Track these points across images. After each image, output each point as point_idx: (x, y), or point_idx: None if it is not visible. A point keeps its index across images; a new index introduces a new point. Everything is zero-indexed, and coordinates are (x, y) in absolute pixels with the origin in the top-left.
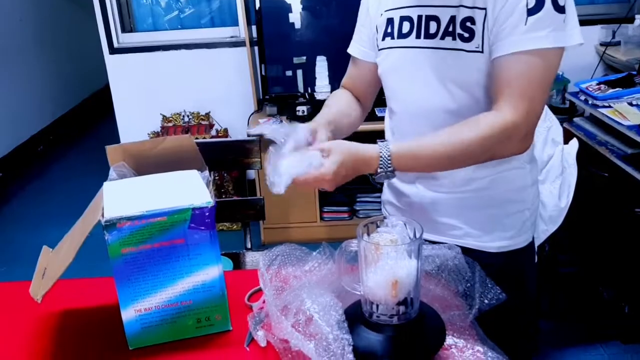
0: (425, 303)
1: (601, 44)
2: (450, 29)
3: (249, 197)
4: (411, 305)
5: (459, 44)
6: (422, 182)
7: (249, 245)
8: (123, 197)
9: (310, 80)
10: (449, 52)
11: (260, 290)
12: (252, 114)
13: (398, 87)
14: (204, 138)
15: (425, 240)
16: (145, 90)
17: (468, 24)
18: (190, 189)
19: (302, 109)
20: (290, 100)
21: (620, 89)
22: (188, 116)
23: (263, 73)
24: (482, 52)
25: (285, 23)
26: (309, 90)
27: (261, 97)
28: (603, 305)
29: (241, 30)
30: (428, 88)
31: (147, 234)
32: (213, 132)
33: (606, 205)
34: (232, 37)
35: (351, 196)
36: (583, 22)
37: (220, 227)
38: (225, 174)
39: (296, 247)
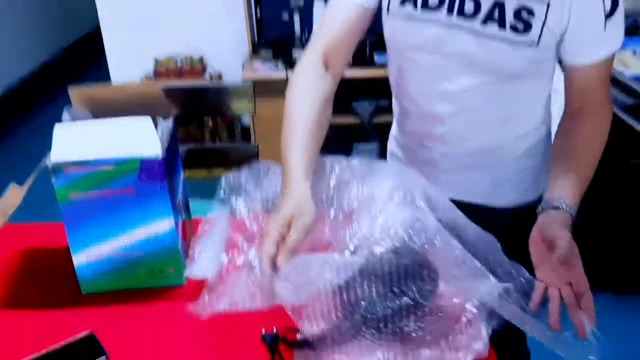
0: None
1: None
2: (496, 15)
3: (243, 144)
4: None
5: (509, 34)
6: (430, 142)
7: None
8: (72, 141)
9: (307, 24)
10: (495, 41)
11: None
12: (247, 58)
13: (425, 67)
14: (197, 82)
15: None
16: (137, 32)
17: (524, 14)
18: (142, 139)
19: (298, 54)
20: (286, 44)
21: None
22: (181, 60)
23: (258, 16)
24: (537, 46)
25: None
26: (306, 35)
27: (256, 41)
28: (597, 256)
29: None
30: (464, 73)
31: (95, 182)
32: (207, 77)
33: (603, 156)
34: None
35: (348, 145)
36: None
37: (215, 174)
38: (219, 120)
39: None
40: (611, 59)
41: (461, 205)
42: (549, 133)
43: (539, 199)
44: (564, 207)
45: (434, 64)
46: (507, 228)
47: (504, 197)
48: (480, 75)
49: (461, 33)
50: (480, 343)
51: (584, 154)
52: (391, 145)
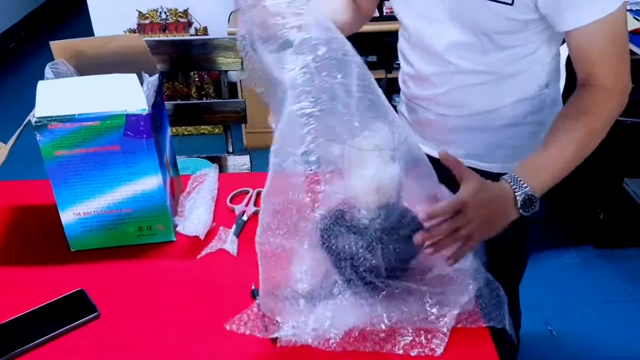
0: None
1: None
2: None
3: (230, 99)
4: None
5: None
6: (425, 103)
7: (230, 149)
8: (57, 97)
9: None
10: None
11: (242, 192)
12: (233, 11)
13: (408, 26)
14: (182, 36)
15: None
16: None
17: None
18: (127, 94)
19: None
20: None
21: None
22: (165, 13)
23: None
24: (511, 4)
25: None
26: None
27: None
28: (578, 210)
29: None
30: (446, 31)
31: (81, 138)
32: (192, 31)
33: None
34: None
35: None
36: None
37: (202, 131)
38: (205, 76)
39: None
40: (613, 21)
41: None
42: (557, 98)
43: None
44: (507, 179)
45: (414, 23)
46: None
47: (500, 163)
48: (462, 34)
49: None
50: (466, 297)
51: (571, 137)
52: (400, 106)
